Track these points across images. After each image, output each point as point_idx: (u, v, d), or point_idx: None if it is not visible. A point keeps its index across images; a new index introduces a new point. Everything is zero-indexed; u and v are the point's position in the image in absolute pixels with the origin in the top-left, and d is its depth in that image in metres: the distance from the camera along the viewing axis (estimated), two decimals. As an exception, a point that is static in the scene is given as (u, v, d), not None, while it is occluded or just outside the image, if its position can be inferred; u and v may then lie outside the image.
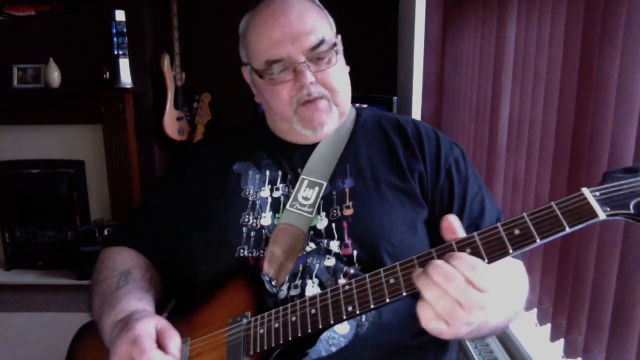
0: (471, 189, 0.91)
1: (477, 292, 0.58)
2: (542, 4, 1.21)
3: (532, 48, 1.25)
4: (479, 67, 1.71)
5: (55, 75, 2.94)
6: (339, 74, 0.90)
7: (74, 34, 2.99)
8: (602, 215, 0.56)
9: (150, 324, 0.76)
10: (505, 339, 1.40)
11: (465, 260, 0.59)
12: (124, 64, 2.93)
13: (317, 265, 0.84)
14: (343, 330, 0.78)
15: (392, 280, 0.64)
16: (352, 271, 0.83)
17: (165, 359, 0.72)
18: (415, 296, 0.63)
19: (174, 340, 0.75)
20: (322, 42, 0.86)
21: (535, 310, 1.24)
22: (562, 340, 1.11)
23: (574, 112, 1.05)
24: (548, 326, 1.18)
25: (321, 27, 0.88)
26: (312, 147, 0.94)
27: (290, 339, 0.70)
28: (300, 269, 0.84)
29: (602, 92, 0.94)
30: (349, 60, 0.95)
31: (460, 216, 0.88)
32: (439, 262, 0.60)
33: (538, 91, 1.22)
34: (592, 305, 0.99)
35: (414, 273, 0.62)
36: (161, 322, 0.78)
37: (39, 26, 3.00)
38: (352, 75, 0.96)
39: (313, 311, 0.69)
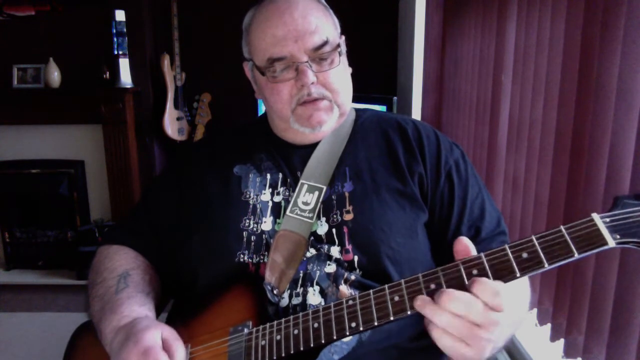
0: (471, 191, 0.90)
1: (494, 312, 0.58)
2: (542, 4, 1.20)
3: (532, 48, 1.25)
4: (479, 67, 1.70)
5: (55, 75, 2.94)
6: (340, 75, 0.90)
7: (74, 34, 2.99)
8: (611, 243, 0.55)
9: (157, 334, 0.75)
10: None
11: (489, 287, 0.58)
12: (124, 64, 2.93)
13: (318, 272, 0.83)
14: (346, 337, 0.78)
15: (396, 298, 0.63)
16: (352, 277, 0.82)
17: None
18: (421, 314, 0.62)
19: (179, 351, 0.75)
20: (325, 42, 0.86)
21: (535, 310, 1.24)
22: (562, 340, 1.11)
23: (574, 112, 1.05)
24: (548, 326, 1.18)
25: (325, 27, 0.87)
26: (311, 148, 0.93)
27: (292, 352, 0.69)
28: (301, 275, 0.83)
29: (602, 92, 0.94)
30: (349, 60, 0.95)
31: (461, 219, 0.88)
32: (454, 293, 0.59)
33: (538, 91, 1.22)
34: (592, 305, 0.99)
35: (416, 302, 0.61)
36: (166, 330, 0.77)
37: (39, 26, 3.00)
38: (353, 75, 0.96)
39: (316, 325, 0.68)
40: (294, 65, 0.85)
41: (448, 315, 0.58)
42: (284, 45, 0.84)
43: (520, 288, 0.82)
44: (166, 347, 0.74)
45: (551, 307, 1.16)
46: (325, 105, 0.88)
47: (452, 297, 0.58)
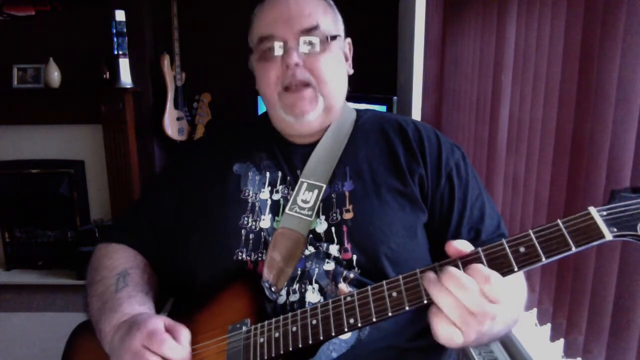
0: (471, 193, 0.91)
1: (490, 303, 0.59)
2: (542, 4, 1.20)
3: (532, 48, 1.25)
4: (479, 67, 1.70)
5: (55, 75, 2.94)
6: (330, 65, 0.89)
7: (74, 34, 2.99)
8: (608, 236, 0.55)
9: (160, 321, 0.76)
10: (505, 338, 1.40)
11: (480, 272, 0.59)
12: (124, 64, 2.93)
13: (317, 269, 0.83)
14: (345, 335, 0.78)
15: (394, 294, 0.64)
16: (351, 275, 0.82)
17: (180, 348, 0.74)
18: (419, 309, 0.63)
19: (184, 334, 0.76)
20: (315, 27, 0.87)
21: (535, 310, 1.24)
22: (562, 340, 1.11)
23: (574, 112, 1.05)
24: (548, 326, 1.18)
25: (320, 17, 0.88)
26: (312, 147, 0.93)
27: (290, 349, 0.69)
28: (299, 273, 0.83)
29: (602, 92, 0.94)
30: (348, 59, 0.95)
31: (460, 221, 0.88)
32: (454, 271, 0.60)
33: (538, 91, 1.22)
34: (592, 305, 0.99)
35: (424, 279, 0.61)
36: (167, 320, 0.78)
37: (39, 26, 3.00)
38: (353, 75, 0.96)
39: (314, 322, 0.69)
40: (282, 46, 0.87)
41: (449, 295, 0.59)
42: (273, 26, 0.87)
43: (517, 289, 0.83)
44: (170, 333, 0.76)
45: (551, 307, 1.16)
46: (308, 95, 0.88)
47: (452, 275, 0.59)
